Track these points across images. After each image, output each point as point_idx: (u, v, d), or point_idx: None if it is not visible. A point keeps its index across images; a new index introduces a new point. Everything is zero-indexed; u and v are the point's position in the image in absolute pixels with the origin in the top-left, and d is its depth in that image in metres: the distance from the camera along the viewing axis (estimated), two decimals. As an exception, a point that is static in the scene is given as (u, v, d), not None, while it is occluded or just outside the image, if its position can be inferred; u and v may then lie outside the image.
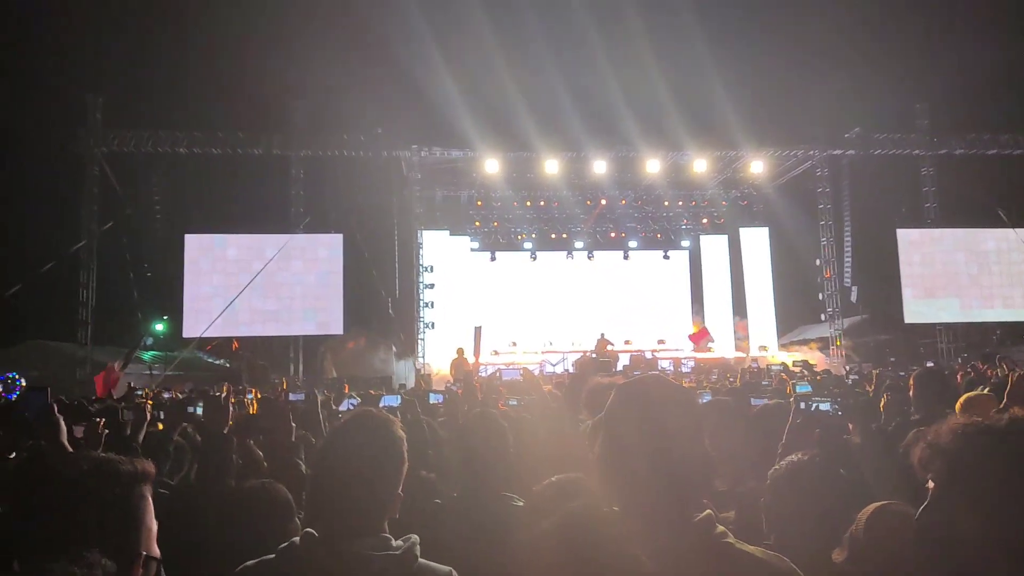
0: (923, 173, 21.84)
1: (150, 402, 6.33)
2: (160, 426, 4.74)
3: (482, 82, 19.57)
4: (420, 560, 1.68)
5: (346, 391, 9.21)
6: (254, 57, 19.04)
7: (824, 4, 21.95)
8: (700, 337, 21.81)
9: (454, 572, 1.72)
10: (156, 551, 1.48)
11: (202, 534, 2.42)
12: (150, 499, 1.51)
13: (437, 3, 19.62)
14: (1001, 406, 3.62)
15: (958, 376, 8.97)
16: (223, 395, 4.21)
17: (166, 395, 9.70)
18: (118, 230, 19.79)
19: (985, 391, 4.78)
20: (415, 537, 1.71)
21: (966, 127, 21.51)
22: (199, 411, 4.03)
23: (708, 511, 1.46)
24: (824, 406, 2.74)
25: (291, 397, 6.73)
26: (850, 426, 2.80)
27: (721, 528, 1.45)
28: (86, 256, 19.14)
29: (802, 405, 2.73)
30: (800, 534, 2.11)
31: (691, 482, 1.47)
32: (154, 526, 1.50)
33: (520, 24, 20.66)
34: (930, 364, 16.12)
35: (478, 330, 17.79)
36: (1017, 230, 21.22)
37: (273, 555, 1.67)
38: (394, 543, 1.68)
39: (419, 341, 20.65)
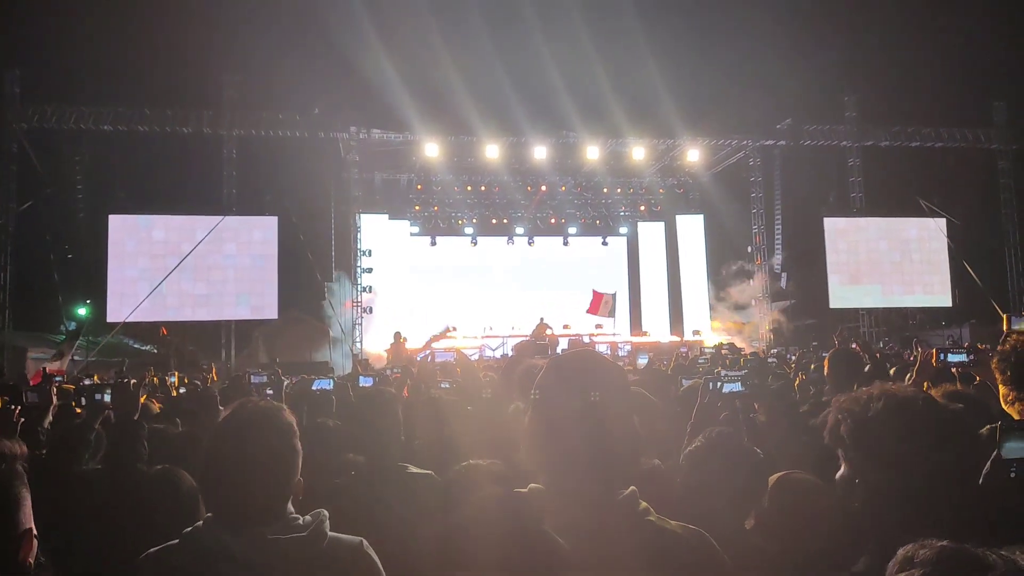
0: (850, 164, 22.60)
1: (68, 386, 6.08)
2: (79, 411, 4.57)
3: (422, 65, 19.33)
4: (330, 534, 1.66)
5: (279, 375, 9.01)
6: (183, 30, 18.33)
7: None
8: (596, 305, 21.56)
9: (365, 542, 1.70)
10: (31, 556, 1.45)
11: (110, 519, 2.36)
12: (26, 502, 1.46)
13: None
14: (910, 380, 3.80)
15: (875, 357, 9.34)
16: (132, 381, 4.09)
17: (87, 381, 9.31)
18: (38, 210, 18.92)
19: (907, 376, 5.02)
20: (324, 512, 1.69)
21: (891, 120, 22.35)
22: (107, 398, 3.90)
23: (632, 488, 1.45)
24: (733, 386, 2.80)
25: (253, 379, 6.59)
26: (755, 406, 2.88)
27: (644, 505, 1.45)
28: (3, 237, 18.22)
29: (711, 385, 2.79)
30: (713, 508, 2.16)
31: (617, 459, 1.46)
32: (28, 499, 1.46)
33: (460, 7, 20.47)
34: (854, 345, 16.74)
35: (443, 332, 17.77)
36: (937, 219, 22.21)
37: (177, 540, 1.62)
38: (301, 521, 1.65)
39: (356, 326, 20.40)
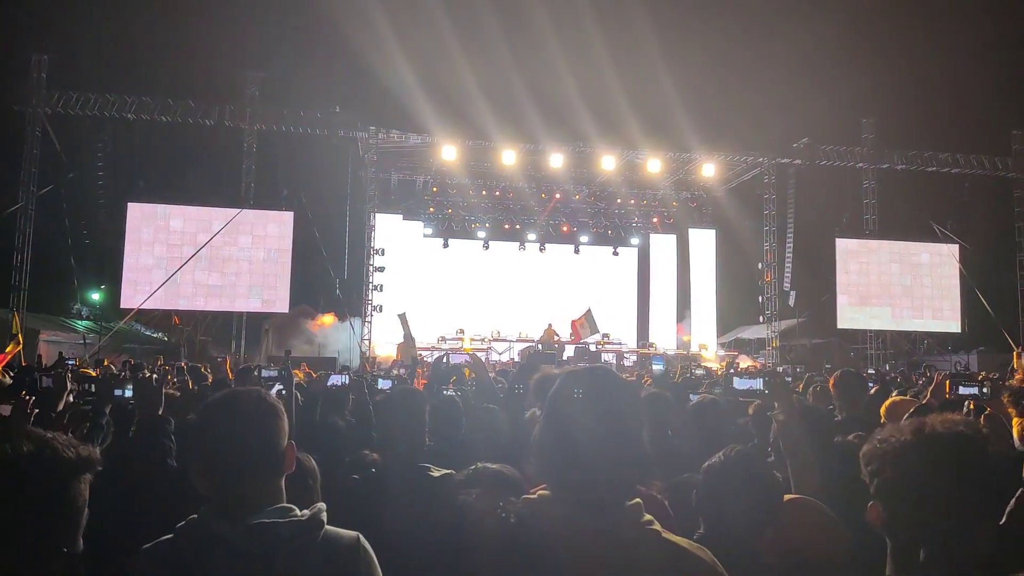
0: (864, 186, 22.62)
1: (87, 371, 6.21)
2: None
3: (442, 70, 19.52)
4: (327, 527, 1.66)
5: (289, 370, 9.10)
6: (210, 25, 18.57)
7: (778, 20, 22.51)
8: (576, 333, 21.59)
9: (361, 537, 1.70)
10: (80, 545, 1.42)
11: (144, 514, 2.41)
12: (87, 491, 1.43)
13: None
14: (923, 402, 3.88)
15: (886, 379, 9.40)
16: (154, 376, 4.10)
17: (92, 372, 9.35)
18: (58, 194, 19.12)
19: (907, 395, 5.11)
20: (322, 504, 1.70)
21: (908, 144, 22.38)
22: (128, 394, 3.88)
23: (637, 499, 1.49)
24: (752, 382, 2.88)
25: (264, 373, 6.57)
26: (776, 404, 2.98)
27: (649, 517, 1.48)
28: (22, 219, 18.45)
29: (736, 383, 2.87)
30: (729, 524, 2.22)
31: (626, 472, 1.51)
32: (83, 521, 1.43)
33: (479, 17, 20.63)
34: (871, 371, 16.66)
35: (402, 316, 17.95)
36: (950, 245, 22.18)
37: (171, 535, 1.62)
38: (299, 512, 1.66)
39: (366, 324, 20.54)
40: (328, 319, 20.61)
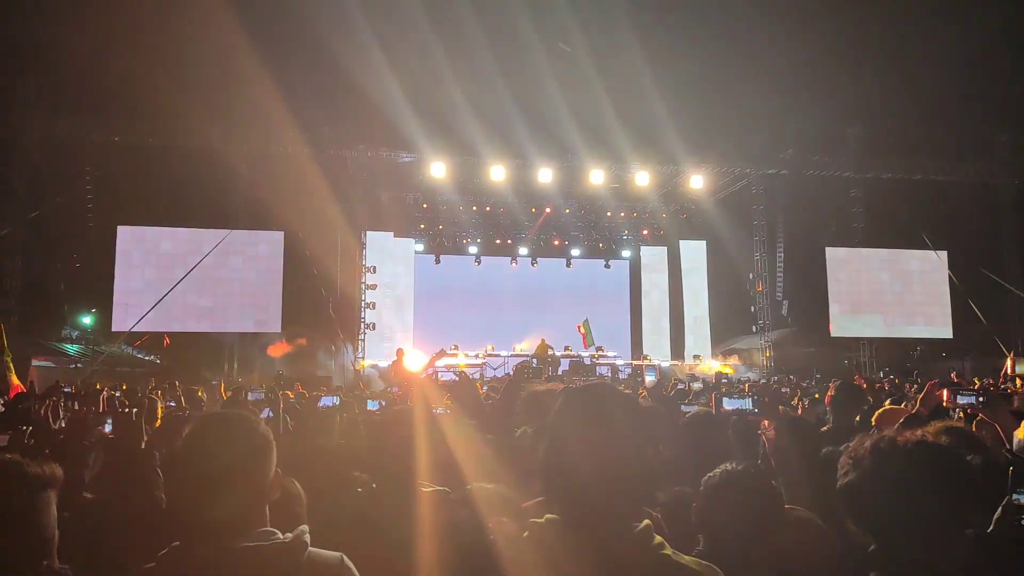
0: (852, 194, 22.75)
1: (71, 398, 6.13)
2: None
3: (429, 87, 19.51)
4: (311, 548, 1.66)
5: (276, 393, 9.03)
6: (196, 45, 18.53)
7: (762, 29, 22.68)
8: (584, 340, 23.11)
9: (345, 558, 1.70)
10: (56, 562, 1.42)
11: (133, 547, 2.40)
12: (54, 506, 1.44)
13: (379, 9, 19.45)
14: (913, 411, 3.89)
15: (876, 387, 9.43)
16: (135, 410, 4.06)
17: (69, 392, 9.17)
18: (47, 218, 19.03)
19: (903, 404, 5.11)
20: (304, 527, 1.70)
21: (894, 152, 22.50)
22: (107, 428, 3.85)
23: (647, 521, 1.47)
24: (741, 402, 2.88)
25: (250, 396, 6.55)
26: (765, 422, 2.96)
27: (659, 539, 1.46)
28: (11, 244, 18.34)
29: (724, 403, 2.86)
30: (730, 539, 2.21)
31: (634, 492, 1.49)
32: (55, 535, 1.43)
33: (465, 33, 20.62)
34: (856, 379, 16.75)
35: (441, 352, 18.10)
36: (939, 252, 22.29)
37: (153, 563, 1.61)
38: (282, 535, 1.66)
39: (359, 342, 20.46)
40: (280, 349, 20.34)
